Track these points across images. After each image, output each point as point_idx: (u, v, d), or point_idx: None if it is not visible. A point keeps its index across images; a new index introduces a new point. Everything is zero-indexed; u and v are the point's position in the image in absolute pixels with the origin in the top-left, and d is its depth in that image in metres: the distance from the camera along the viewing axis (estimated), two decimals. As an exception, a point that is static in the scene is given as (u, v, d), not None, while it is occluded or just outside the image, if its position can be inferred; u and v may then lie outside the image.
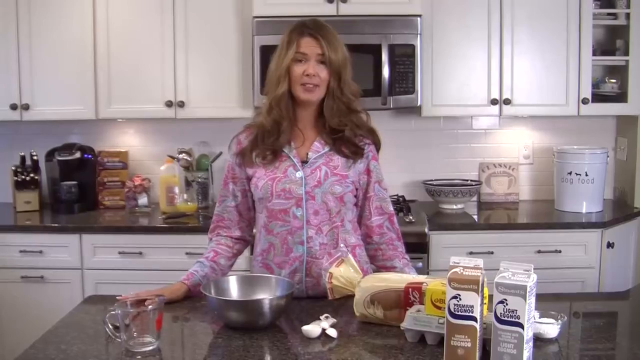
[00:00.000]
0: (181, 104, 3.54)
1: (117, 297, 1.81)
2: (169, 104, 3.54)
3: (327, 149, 2.10)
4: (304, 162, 2.08)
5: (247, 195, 2.15)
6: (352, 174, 2.10)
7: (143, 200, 3.74)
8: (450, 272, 1.50)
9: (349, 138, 2.09)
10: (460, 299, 1.47)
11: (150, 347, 1.62)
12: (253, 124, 2.15)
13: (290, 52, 2.04)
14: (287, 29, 2.09)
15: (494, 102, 3.52)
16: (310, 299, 2.03)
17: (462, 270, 1.49)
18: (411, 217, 3.27)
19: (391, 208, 2.21)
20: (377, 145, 2.18)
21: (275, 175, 2.06)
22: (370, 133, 2.16)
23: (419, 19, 3.37)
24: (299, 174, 2.05)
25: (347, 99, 2.08)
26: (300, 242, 2.06)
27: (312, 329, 1.69)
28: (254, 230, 2.20)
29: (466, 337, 1.47)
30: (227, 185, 2.16)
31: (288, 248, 2.07)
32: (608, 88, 3.62)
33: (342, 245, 2.06)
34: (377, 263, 2.18)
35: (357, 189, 2.13)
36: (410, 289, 1.73)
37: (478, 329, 1.47)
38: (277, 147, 2.07)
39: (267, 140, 2.07)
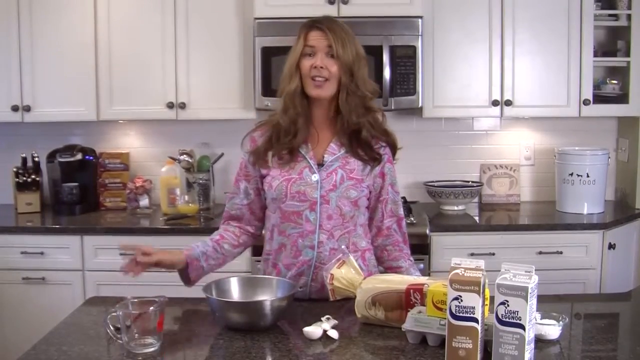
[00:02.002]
0: (182, 106, 3.54)
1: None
2: (170, 106, 3.54)
3: (343, 150, 2.06)
4: (320, 164, 2.05)
5: (260, 193, 2.13)
6: (368, 178, 2.08)
7: (144, 201, 3.75)
8: (452, 273, 1.50)
9: (365, 139, 2.07)
10: (461, 300, 1.47)
11: (152, 349, 1.62)
12: (267, 121, 2.12)
13: (299, 46, 2.02)
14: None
15: (495, 103, 3.52)
16: (312, 300, 2.03)
17: (463, 272, 1.49)
18: (412, 219, 3.27)
19: (401, 211, 2.19)
20: (393, 147, 2.16)
21: (290, 176, 2.04)
22: (385, 134, 2.12)
23: (420, 20, 3.38)
24: (315, 177, 2.03)
25: (363, 94, 2.04)
26: (311, 246, 2.03)
27: (314, 330, 1.69)
28: (264, 229, 2.18)
29: (467, 338, 1.47)
30: (238, 183, 2.15)
31: (297, 251, 2.05)
32: (609, 89, 3.62)
33: (343, 246, 2.03)
34: (383, 264, 2.18)
35: (370, 192, 2.11)
36: (411, 290, 1.73)
37: (479, 330, 1.47)
38: (294, 146, 2.04)
39: (284, 139, 2.04)
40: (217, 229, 2.23)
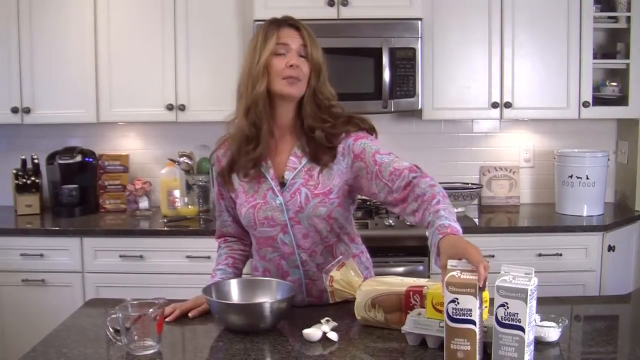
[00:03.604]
0: (182, 107, 3.54)
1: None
2: (170, 107, 3.54)
3: (304, 161, 1.94)
4: (282, 184, 1.95)
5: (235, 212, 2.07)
6: (336, 182, 1.92)
7: (144, 203, 3.75)
8: (448, 275, 1.50)
9: (320, 140, 1.92)
10: (458, 303, 1.47)
11: (151, 351, 1.62)
12: (227, 137, 2.02)
13: (270, 44, 1.88)
14: (261, 27, 1.95)
15: (494, 105, 3.52)
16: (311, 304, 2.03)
17: (459, 274, 1.49)
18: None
19: (405, 163, 1.87)
20: (367, 131, 1.96)
21: (255, 202, 1.95)
22: (347, 124, 1.94)
23: (419, 22, 3.38)
24: (279, 200, 1.92)
25: (325, 97, 1.94)
26: (296, 266, 1.99)
27: (313, 332, 1.69)
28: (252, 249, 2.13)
29: (465, 340, 1.47)
30: (219, 201, 2.09)
31: (284, 272, 2.00)
32: (609, 91, 3.62)
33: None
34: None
35: (351, 185, 1.96)
36: (411, 293, 1.73)
37: (477, 332, 1.47)
38: (256, 157, 1.92)
39: (246, 147, 1.92)
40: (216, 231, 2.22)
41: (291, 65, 1.88)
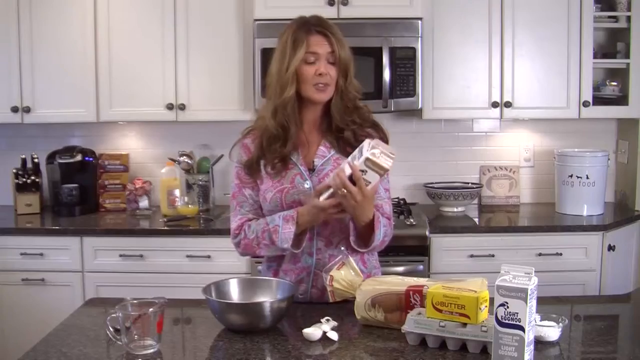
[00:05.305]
0: (182, 107, 3.54)
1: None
2: (170, 107, 3.54)
3: (332, 152, 2.04)
4: (311, 170, 2.02)
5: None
6: None
7: (144, 203, 3.74)
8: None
9: (348, 139, 2.02)
10: None
11: (151, 350, 1.62)
12: (256, 127, 2.08)
13: (300, 53, 1.96)
14: (288, 27, 2.02)
15: (494, 104, 3.52)
16: (312, 303, 2.02)
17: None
18: (412, 220, 3.27)
19: (388, 209, 2.08)
20: (384, 141, 2.06)
21: (283, 186, 2.00)
22: (374, 128, 2.08)
23: (419, 21, 3.38)
24: (307, 184, 1.99)
25: (353, 96, 2.04)
26: (309, 253, 2.02)
27: (313, 331, 1.69)
28: None
29: None
30: (241, 190, 2.07)
31: (296, 257, 2.02)
32: (609, 91, 3.62)
33: (342, 248, 2.00)
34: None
35: None
36: (411, 292, 1.73)
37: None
38: (285, 154, 2.00)
39: (274, 145, 2.00)
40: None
41: (320, 74, 1.96)
